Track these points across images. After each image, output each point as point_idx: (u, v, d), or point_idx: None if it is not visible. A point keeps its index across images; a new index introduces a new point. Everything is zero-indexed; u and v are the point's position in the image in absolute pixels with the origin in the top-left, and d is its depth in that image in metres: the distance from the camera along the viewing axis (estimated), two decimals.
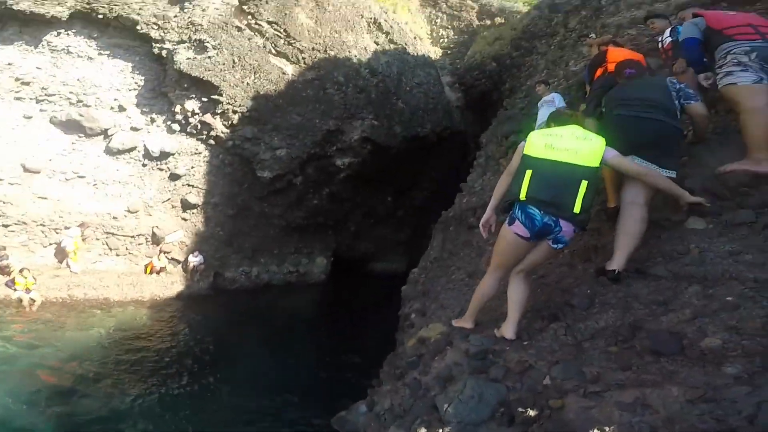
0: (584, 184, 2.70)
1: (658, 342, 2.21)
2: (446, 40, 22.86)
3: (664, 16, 5.46)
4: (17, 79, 11.42)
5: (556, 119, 3.16)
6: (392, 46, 16.94)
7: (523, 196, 2.79)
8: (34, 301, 10.49)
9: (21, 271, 10.49)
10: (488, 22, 22.32)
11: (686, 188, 3.07)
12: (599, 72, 4.99)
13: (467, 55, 19.85)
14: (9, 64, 11.30)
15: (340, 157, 15.10)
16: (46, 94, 11.77)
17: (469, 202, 7.27)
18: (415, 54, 17.83)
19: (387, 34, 16.90)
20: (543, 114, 6.79)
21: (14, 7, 10.68)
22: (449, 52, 22.23)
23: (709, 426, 1.67)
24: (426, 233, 10.70)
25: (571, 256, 3.62)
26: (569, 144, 2.81)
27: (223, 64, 12.61)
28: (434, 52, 20.81)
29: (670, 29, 4.66)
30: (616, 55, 4.71)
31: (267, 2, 13.35)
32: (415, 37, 18.93)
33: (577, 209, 2.69)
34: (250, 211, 14.53)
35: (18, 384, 6.95)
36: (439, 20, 23.16)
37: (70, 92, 11.95)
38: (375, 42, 16.37)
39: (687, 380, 1.94)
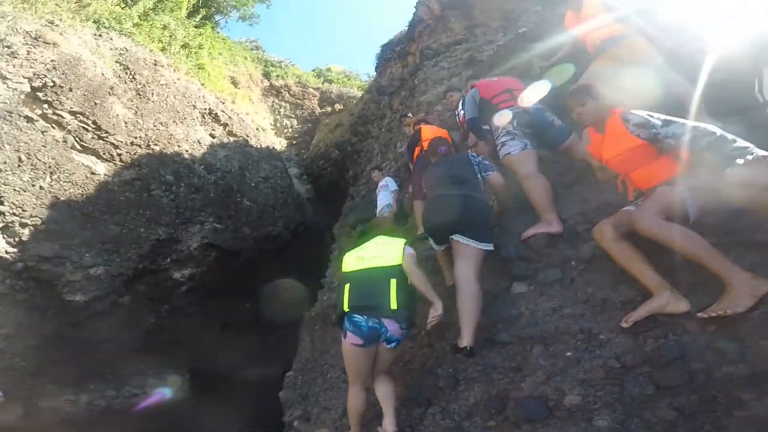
0: (393, 282, 3.16)
1: (528, 410, 2.29)
2: (290, 129, 23.43)
3: (458, 90, 6.15)
4: None
5: (362, 234, 3.89)
6: (232, 138, 16.40)
7: (346, 307, 3.20)
8: None
9: None
10: (329, 108, 23.73)
11: (503, 257, 3.51)
12: (417, 151, 5.26)
13: (312, 144, 20.67)
14: None
15: (178, 269, 13.28)
16: None
17: (330, 298, 7.26)
18: (259, 146, 17.54)
19: (225, 125, 16.35)
20: (381, 199, 7.16)
21: None
22: (294, 142, 22.78)
23: None
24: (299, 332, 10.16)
25: (429, 337, 3.72)
26: (374, 252, 3.34)
27: (4, 162, 10.23)
28: (279, 143, 20.89)
29: (460, 101, 5.12)
30: (428, 133, 5.09)
31: (70, 89, 11.57)
32: (257, 128, 18.71)
33: (393, 306, 3.10)
34: (65, 339, 11.39)
35: None
36: (282, 110, 23.77)
37: None
38: (211, 135, 15.62)
39: None
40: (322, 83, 26.33)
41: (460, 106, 5.08)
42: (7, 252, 10.34)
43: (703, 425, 1.83)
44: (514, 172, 3.79)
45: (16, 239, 10.41)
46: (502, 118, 3.83)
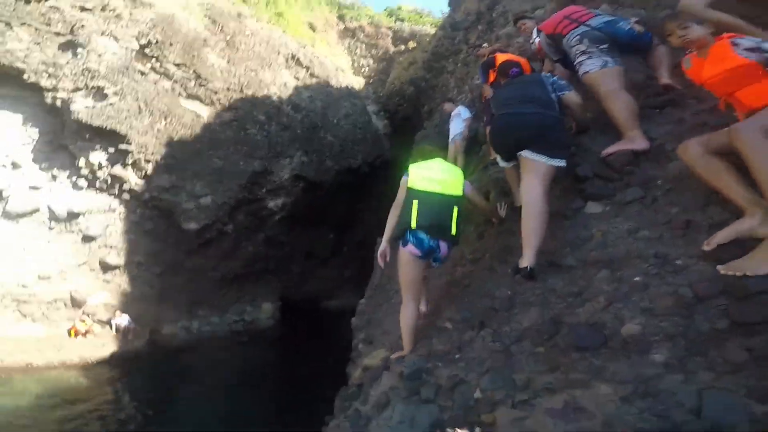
0: (455, 209, 3.24)
1: (580, 337, 2.11)
2: (367, 69, 23.47)
3: (531, 18, 5.81)
4: None
5: (423, 154, 3.65)
6: (314, 80, 16.96)
7: (413, 224, 3.18)
8: None
9: None
10: (402, 47, 23.28)
11: (579, 176, 3.26)
12: (493, 75, 5.18)
13: (387, 82, 20.43)
14: None
15: (272, 199, 14.60)
16: None
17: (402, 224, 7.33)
18: (339, 86, 17.98)
19: (307, 68, 16.94)
20: (454, 127, 7.08)
21: None
22: (371, 81, 22.78)
23: (652, 425, 1.50)
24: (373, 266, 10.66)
25: (491, 259, 3.62)
26: (440, 175, 3.34)
27: (128, 110, 11.79)
28: (357, 83, 21.11)
29: (535, 29, 4.87)
30: (503, 58, 4.93)
31: (171, 44, 12.78)
32: (336, 69, 19.10)
33: (453, 231, 3.21)
34: (181, 266, 13.53)
35: None
36: (358, 50, 23.85)
37: None
38: (295, 77, 16.32)
39: (616, 375, 1.81)
40: (394, 22, 25.93)
41: (534, 34, 4.80)
42: (136, 184, 12.31)
43: None
44: (595, 92, 3.50)
45: (142, 173, 12.29)
46: (572, 39, 3.62)
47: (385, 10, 28.81)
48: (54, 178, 11.60)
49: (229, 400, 9.18)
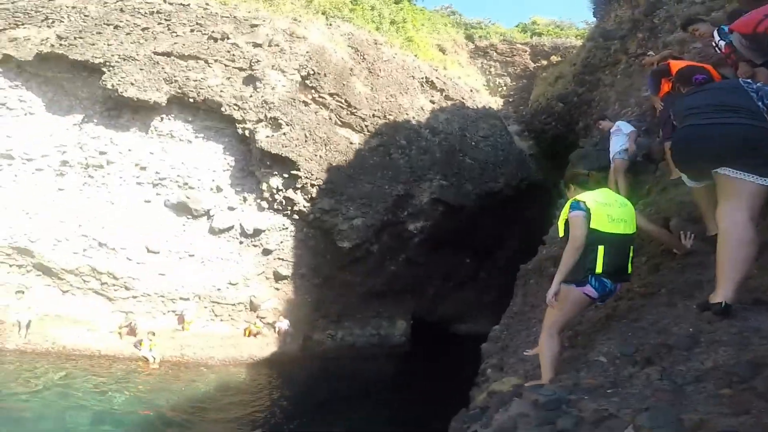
0: (631, 248, 3.14)
1: None
2: (504, 87, 22.88)
3: (702, 20, 5.15)
4: (136, 165, 13.58)
5: (580, 183, 3.45)
6: (449, 102, 17.29)
7: (599, 270, 2.99)
8: (155, 359, 12.26)
9: (148, 333, 12.42)
10: (544, 62, 22.16)
11: None
12: (666, 85, 4.74)
13: (531, 100, 19.62)
14: (129, 150, 13.53)
15: (412, 222, 15.31)
16: (159, 178, 13.70)
17: (549, 251, 6.97)
18: (475, 107, 17.93)
19: (441, 91, 17.33)
20: (614, 144, 6.55)
21: (124, 95, 12.64)
22: (511, 99, 22.15)
23: None
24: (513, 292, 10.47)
25: (669, 295, 3.23)
26: (620, 214, 3.11)
27: (297, 139, 13.65)
28: (495, 103, 20.72)
29: (716, 31, 4.26)
30: (680, 65, 4.45)
31: (325, 75, 14.38)
32: (471, 90, 19.13)
33: (629, 270, 3.14)
34: (334, 279, 15.11)
35: (121, 416, 9.06)
36: (492, 69, 23.36)
37: (178, 175, 13.75)
38: (431, 101, 16.86)
39: None
40: (530, 37, 24.69)
41: (716, 37, 4.18)
42: (304, 206, 14.28)
43: None
44: None
45: (308, 196, 14.21)
46: None
47: (517, 26, 27.61)
48: (245, 200, 14.26)
49: (355, 409, 10.03)
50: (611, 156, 6.54)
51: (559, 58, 21.17)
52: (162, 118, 13.70)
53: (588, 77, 14.59)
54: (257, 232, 14.12)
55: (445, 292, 17.40)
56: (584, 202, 3.12)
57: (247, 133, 13.61)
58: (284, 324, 14.20)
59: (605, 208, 3.09)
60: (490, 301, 17.12)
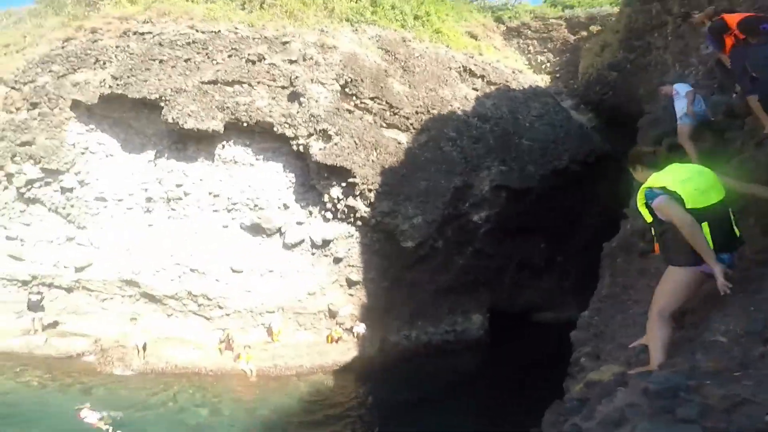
0: (731, 213, 2.94)
1: None
2: (548, 64, 21.86)
3: None
4: (210, 193, 14.57)
5: (647, 164, 3.29)
6: (492, 87, 16.74)
7: (711, 247, 2.86)
8: (252, 371, 13.15)
9: (245, 347, 13.36)
10: (584, 33, 21.01)
11: None
12: (730, 41, 4.51)
13: (580, 73, 18.57)
14: (200, 179, 14.54)
15: (475, 212, 15.05)
16: (231, 203, 14.60)
17: (634, 225, 6.51)
18: (521, 88, 17.26)
19: (482, 77, 16.77)
20: (679, 107, 6.18)
21: (185, 126, 13.33)
22: (558, 75, 21.12)
23: None
24: (597, 275, 10.07)
25: None
26: (705, 183, 2.96)
27: (348, 147, 13.85)
28: (542, 80, 19.84)
29: None
30: (738, 18, 4.23)
31: (362, 80, 14.38)
32: (513, 72, 18.37)
33: (737, 233, 2.94)
34: (402, 280, 15.26)
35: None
36: (531, 47, 22.29)
37: (248, 198, 14.56)
38: (473, 88, 16.40)
39: None
40: (562, 10, 23.40)
41: None
42: (365, 212, 14.53)
43: None
44: None
45: (368, 201, 14.45)
46: None
47: (545, 1, 26.14)
48: (310, 213, 14.85)
49: (441, 408, 10.16)
50: (678, 118, 6.17)
51: (599, 27, 20.01)
52: (223, 146, 14.53)
53: (636, 42, 13.67)
54: (326, 243, 14.67)
55: (522, 281, 16.87)
56: (664, 186, 2.95)
57: (301, 148, 14.04)
58: (361, 328, 14.59)
59: (690, 183, 2.93)
60: (571, 286, 16.69)
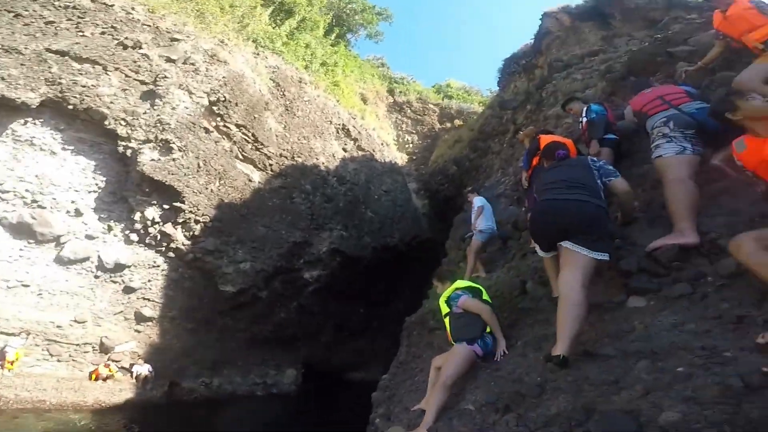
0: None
1: (611, 423, 2.09)
2: (411, 145, 24.03)
3: (579, 100, 5.93)
4: None
5: (446, 278, 4.55)
6: (360, 152, 17.44)
7: (487, 330, 3.93)
8: None
9: None
10: (448, 124, 23.82)
11: (623, 270, 3.28)
12: (535, 159, 5.14)
13: (431, 160, 20.70)
14: None
15: (308, 270, 14.72)
16: (0, 191, 11.11)
17: (430, 305, 7.28)
18: (383, 160, 18.39)
19: (355, 140, 17.44)
20: (472, 218, 6.93)
21: None
22: (415, 157, 23.19)
23: None
24: None
25: (524, 347, 3.66)
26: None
27: (188, 167, 12.35)
28: (401, 158, 21.47)
29: (585, 109, 4.99)
30: (547, 140, 4.84)
31: (237, 105, 13.51)
32: (382, 143, 19.56)
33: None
34: (212, 324, 13.61)
35: None
36: (404, 125, 24.55)
37: (26, 190, 11.30)
38: (343, 149, 16.86)
39: None
40: (442, 99, 26.39)
41: (583, 114, 4.98)
42: (183, 244, 12.77)
43: None
44: (662, 176, 3.51)
45: (190, 233, 12.79)
46: (657, 121, 3.71)
47: (433, 86, 29.36)
48: (109, 229, 12.21)
49: None
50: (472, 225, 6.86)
51: (461, 123, 22.68)
52: (26, 122, 11.38)
53: (481, 144, 15.74)
54: (119, 267, 12.15)
55: (338, 341, 16.85)
56: (466, 287, 4.08)
57: (129, 152, 11.90)
58: (144, 369, 12.33)
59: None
60: (383, 350, 17.15)
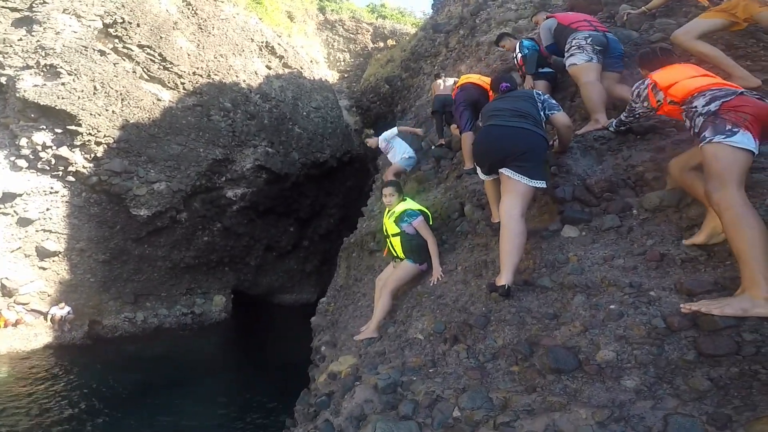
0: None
1: (557, 359, 2.20)
2: (343, 63, 23.15)
3: (511, 36, 6.08)
4: None
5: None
6: (286, 70, 16.48)
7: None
8: None
9: None
10: (381, 44, 23.03)
11: (558, 198, 3.36)
12: (454, 92, 5.33)
13: (363, 78, 20.05)
14: None
15: (231, 188, 14.04)
16: None
17: (369, 226, 7.10)
18: (312, 78, 17.56)
19: (281, 58, 16.47)
20: (401, 149, 6.91)
21: None
22: (346, 75, 22.46)
23: None
24: (335, 261, 10.60)
25: (464, 273, 3.66)
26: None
27: (81, 91, 11.04)
28: (332, 76, 20.81)
29: (517, 44, 5.17)
30: (472, 78, 5.23)
31: (138, 26, 12.16)
32: (311, 61, 18.74)
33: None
34: (128, 254, 12.77)
35: None
36: (336, 44, 23.52)
37: None
38: (267, 66, 15.80)
39: (592, 399, 1.94)
40: (376, 19, 25.76)
41: (517, 50, 5.05)
42: (84, 167, 11.40)
43: (733, 399, 1.70)
44: (576, 80, 4.06)
45: (91, 156, 11.40)
46: (580, 35, 4.13)
47: (367, 6, 28.76)
48: None
49: (177, 394, 8.73)
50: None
51: (394, 43, 22.01)
52: None
53: (413, 64, 15.44)
54: (9, 197, 10.65)
55: (267, 262, 16.79)
56: (420, 209, 4.16)
57: (3, 79, 10.48)
58: (63, 311, 11.51)
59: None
60: (313, 270, 17.88)
